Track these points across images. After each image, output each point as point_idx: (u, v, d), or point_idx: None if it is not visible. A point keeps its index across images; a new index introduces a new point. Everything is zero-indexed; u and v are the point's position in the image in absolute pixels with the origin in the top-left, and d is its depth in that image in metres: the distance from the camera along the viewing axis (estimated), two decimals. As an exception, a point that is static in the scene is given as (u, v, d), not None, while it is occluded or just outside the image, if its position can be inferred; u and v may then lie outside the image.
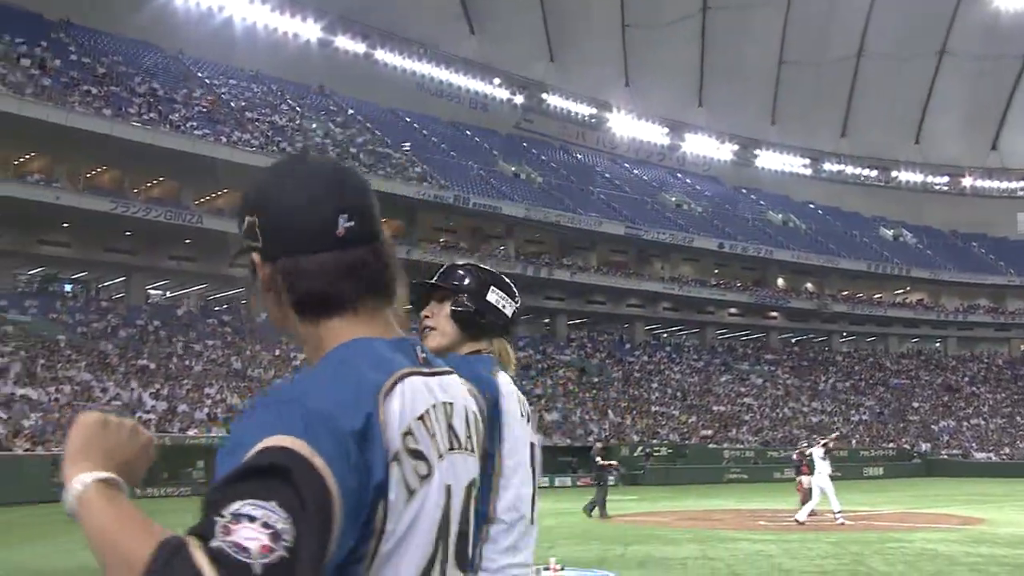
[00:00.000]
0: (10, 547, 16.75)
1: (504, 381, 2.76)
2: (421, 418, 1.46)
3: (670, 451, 50.18)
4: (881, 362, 75.14)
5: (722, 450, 52.59)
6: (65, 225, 46.49)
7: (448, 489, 1.51)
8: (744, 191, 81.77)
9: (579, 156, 75.94)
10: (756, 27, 76.92)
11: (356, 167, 51.80)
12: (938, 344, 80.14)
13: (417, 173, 58.13)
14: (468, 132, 69.93)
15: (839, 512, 21.32)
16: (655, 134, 79.36)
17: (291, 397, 1.36)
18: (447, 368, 1.63)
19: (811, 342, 76.80)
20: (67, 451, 1.46)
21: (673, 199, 74.58)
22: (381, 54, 66.44)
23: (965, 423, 66.16)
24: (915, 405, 68.17)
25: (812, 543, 17.03)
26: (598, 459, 25.49)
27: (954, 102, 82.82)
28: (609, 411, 53.74)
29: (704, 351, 69.05)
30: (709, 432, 55.07)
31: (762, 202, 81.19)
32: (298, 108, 59.63)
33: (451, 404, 1.56)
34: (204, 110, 51.96)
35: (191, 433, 36.19)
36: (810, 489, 22.21)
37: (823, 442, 23.29)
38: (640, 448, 48.79)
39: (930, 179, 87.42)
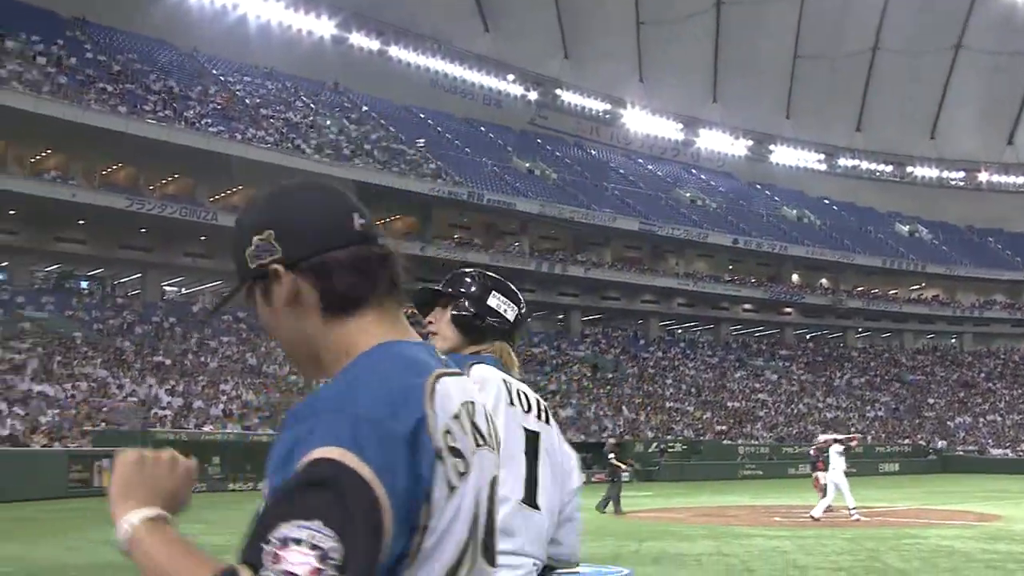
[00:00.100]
0: (26, 543, 16.84)
1: (478, 374, 2.77)
2: (456, 416, 1.49)
3: (684, 447, 50.10)
4: (896, 358, 74.88)
5: (737, 446, 52.51)
6: (81, 222, 46.70)
7: (478, 485, 1.53)
8: (759, 187, 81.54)
9: (593, 152, 75.86)
10: (770, 22, 76.68)
11: (370, 164, 52.09)
12: (954, 340, 79.82)
13: (431, 170, 58.16)
14: (482, 128, 69.92)
15: (854, 508, 21.27)
16: (669, 130, 79.23)
17: (338, 406, 1.37)
18: (459, 370, 1.66)
19: (826, 338, 76.57)
20: (111, 493, 1.49)
21: (687, 195, 74.45)
22: (395, 51, 66.50)
23: (981, 419, 65.90)
24: (931, 401, 67.93)
25: (827, 539, 17.00)
26: (611, 456, 25.47)
27: (970, 97, 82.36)
28: (623, 407, 53.72)
29: (719, 347, 68.95)
30: (724, 428, 55.02)
31: (777, 198, 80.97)
32: (312, 105, 59.71)
33: (472, 403, 1.59)
34: (219, 107, 52.11)
35: (206, 429, 36.31)
36: (826, 485, 22.17)
37: (841, 438, 23.21)
38: (654, 444, 48.74)
39: (946, 174, 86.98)
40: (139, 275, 50.51)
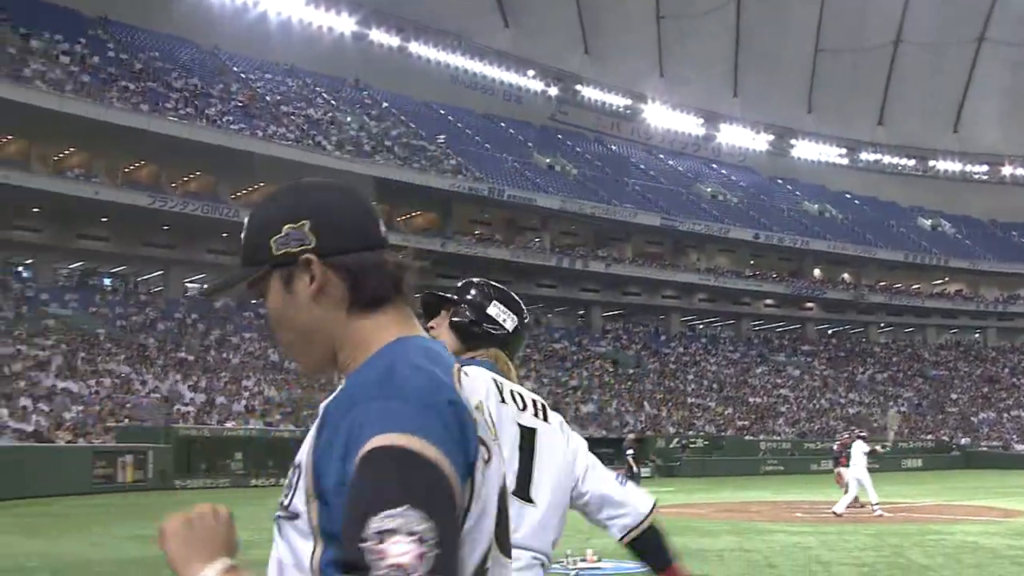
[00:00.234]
0: (51, 538, 16.96)
1: (469, 373, 2.82)
2: (477, 407, 1.53)
3: (706, 443, 50.02)
4: (919, 353, 74.47)
5: (758, 442, 52.38)
6: (104, 220, 47.01)
7: (499, 473, 1.56)
8: (780, 181, 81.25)
9: (614, 147, 75.72)
10: (791, 15, 76.37)
11: (391, 160, 52.09)
12: (977, 335, 79.32)
13: (452, 166, 58.20)
14: (503, 124, 69.91)
15: (877, 504, 21.18)
16: (690, 124, 79.03)
17: (385, 393, 1.39)
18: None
19: (848, 333, 76.23)
20: (175, 564, 1.51)
21: (708, 190, 74.25)
22: (415, 47, 66.58)
23: (1005, 415, 65.46)
24: (954, 397, 67.54)
25: (850, 535, 16.93)
26: (629, 452, 25.41)
27: (993, 90, 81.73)
28: (645, 403, 53.64)
29: (740, 342, 68.76)
30: (745, 424, 54.88)
31: (798, 192, 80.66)
32: (333, 101, 59.86)
33: (481, 400, 1.63)
34: (240, 105, 52.31)
35: (229, 425, 36.48)
36: (848, 481, 22.08)
37: (866, 437, 23.11)
38: (676, 440, 48.67)
39: (969, 168, 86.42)
40: (161, 272, 50.76)
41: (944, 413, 64.54)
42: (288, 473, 1.54)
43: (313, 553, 1.42)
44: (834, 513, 21.01)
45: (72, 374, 35.87)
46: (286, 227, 1.56)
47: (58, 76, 44.35)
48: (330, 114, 57.65)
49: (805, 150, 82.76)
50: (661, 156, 77.84)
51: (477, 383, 2.80)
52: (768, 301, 71.12)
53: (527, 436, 2.88)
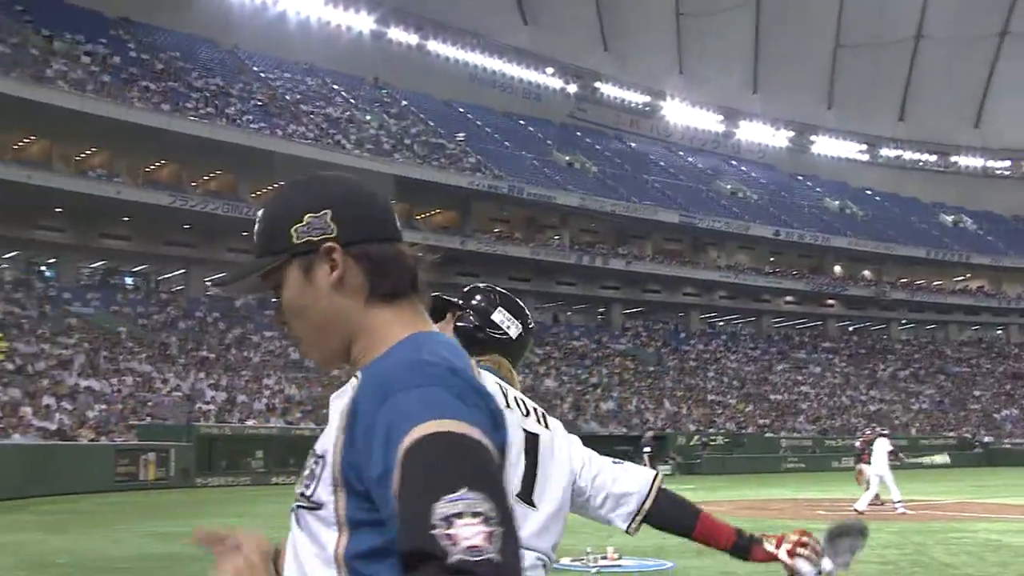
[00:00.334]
0: (74, 535, 17.07)
1: None
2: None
3: (727, 440, 49.89)
4: (941, 350, 74.07)
5: (779, 439, 52.20)
6: (126, 219, 47.28)
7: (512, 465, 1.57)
8: (800, 178, 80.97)
9: (633, 145, 75.60)
10: (811, 11, 76.07)
11: (410, 158, 52.18)
12: (1000, 331, 78.84)
13: (471, 164, 58.25)
14: (522, 122, 69.89)
15: (899, 501, 21.08)
16: (710, 121, 78.85)
17: (419, 381, 1.40)
18: None
19: (869, 330, 75.90)
20: None
21: (728, 187, 74.05)
22: (434, 45, 66.64)
23: (1029, 411, 65.04)
24: (976, 394, 67.11)
25: (873, 532, 16.66)
26: (647, 450, 25.35)
27: (1016, 84, 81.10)
28: (665, 400, 53.56)
29: (760, 340, 68.57)
30: (766, 421, 54.71)
31: (818, 189, 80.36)
32: (352, 100, 60.00)
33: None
34: (260, 104, 52.51)
35: (250, 423, 36.63)
36: (870, 478, 21.99)
37: (888, 435, 23.01)
38: (696, 437, 48.58)
39: (991, 163, 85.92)
40: (183, 271, 51.00)
41: (966, 410, 64.15)
42: (305, 463, 1.55)
43: (338, 543, 1.43)
44: (855, 511, 20.91)
45: (95, 373, 36.09)
46: (307, 216, 1.57)
47: (80, 76, 44.63)
48: (349, 112, 57.79)
49: (825, 146, 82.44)
50: (681, 153, 77.69)
51: (486, 384, 2.82)
52: (788, 298, 70.88)
53: (531, 441, 2.90)
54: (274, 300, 1.66)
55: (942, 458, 52.02)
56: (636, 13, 72.07)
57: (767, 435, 52.38)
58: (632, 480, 3.14)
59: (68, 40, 46.88)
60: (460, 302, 3.11)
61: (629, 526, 3.13)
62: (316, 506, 1.47)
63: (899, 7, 78.27)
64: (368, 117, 58.29)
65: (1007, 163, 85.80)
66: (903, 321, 76.16)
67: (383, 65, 63.38)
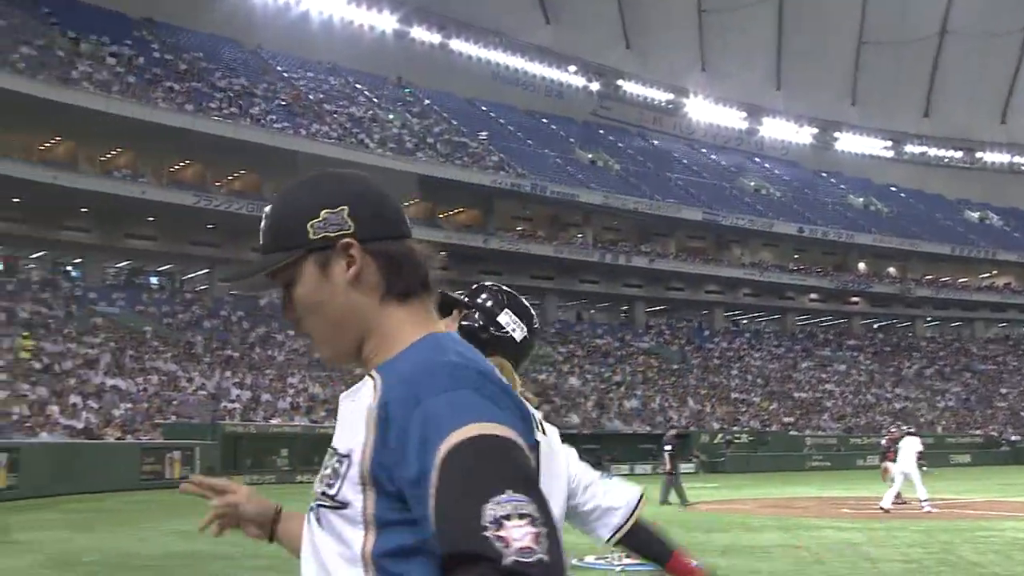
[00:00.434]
0: (100, 533, 17.18)
1: None
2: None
3: (751, 438, 49.73)
4: (967, 347, 73.56)
5: (804, 437, 51.98)
6: (151, 219, 47.56)
7: None
8: (824, 174, 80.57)
9: (656, 142, 75.43)
10: (834, 7, 75.66)
11: (433, 157, 52.24)
12: (1027, 328, 78.23)
13: (494, 162, 58.27)
14: (544, 120, 69.87)
15: (925, 500, 20.94)
16: (733, 118, 78.59)
17: (449, 385, 1.39)
18: None
19: (894, 327, 75.47)
20: None
21: (752, 184, 73.78)
22: (457, 44, 66.71)
23: (1056, 409, 64.50)
24: (1003, 391, 66.61)
25: (899, 531, 16.76)
26: (667, 448, 25.17)
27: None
28: (689, 398, 53.44)
29: (785, 337, 68.29)
30: (790, 419, 54.49)
31: (842, 185, 79.96)
32: (375, 99, 60.12)
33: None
34: (284, 103, 52.69)
35: (274, 422, 36.80)
36: (895, 476, 21.87)
37: (916, 434, 22.86)
38: (720, 435, 48.44)
39: (1017, 159, 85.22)
40: (207, 270, 51.22)
41: (993, 408, 63.69)
42: (325, 463, 1.54)
43: (365, 541, 1.43)
44: (881, 508, 20.81)
45: (120, 372, 36.34)
46: (324, 212, 1.57)
47: (105, 77, 44.92)
48: (372, 112, 57.92)
49: (849, 143, 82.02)
50: (704, 150, 77.46)
51: None
52: (813, 295, 70.57)
53: (534, 448, 2.92)
54: (281, 297, 1.65)
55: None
56: (658, 10, 71.88)
57: (791, 433, 52.17)
58: (620, 495, 3.21)
59: (93, 42, 47.21)
60: (467, 300, 3.12)
61: (611, 537, 3.18)
62: (341, 505, 1.47)
63: (922, 3, 77.77)
64: (391, 116, 58.39)
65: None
66: (928, 318, 75.67)
67: (406, 64, 63.48)
